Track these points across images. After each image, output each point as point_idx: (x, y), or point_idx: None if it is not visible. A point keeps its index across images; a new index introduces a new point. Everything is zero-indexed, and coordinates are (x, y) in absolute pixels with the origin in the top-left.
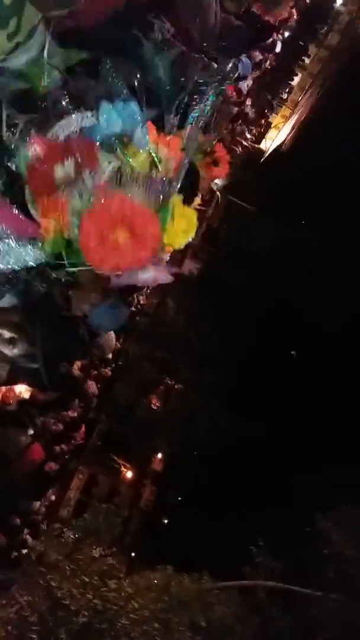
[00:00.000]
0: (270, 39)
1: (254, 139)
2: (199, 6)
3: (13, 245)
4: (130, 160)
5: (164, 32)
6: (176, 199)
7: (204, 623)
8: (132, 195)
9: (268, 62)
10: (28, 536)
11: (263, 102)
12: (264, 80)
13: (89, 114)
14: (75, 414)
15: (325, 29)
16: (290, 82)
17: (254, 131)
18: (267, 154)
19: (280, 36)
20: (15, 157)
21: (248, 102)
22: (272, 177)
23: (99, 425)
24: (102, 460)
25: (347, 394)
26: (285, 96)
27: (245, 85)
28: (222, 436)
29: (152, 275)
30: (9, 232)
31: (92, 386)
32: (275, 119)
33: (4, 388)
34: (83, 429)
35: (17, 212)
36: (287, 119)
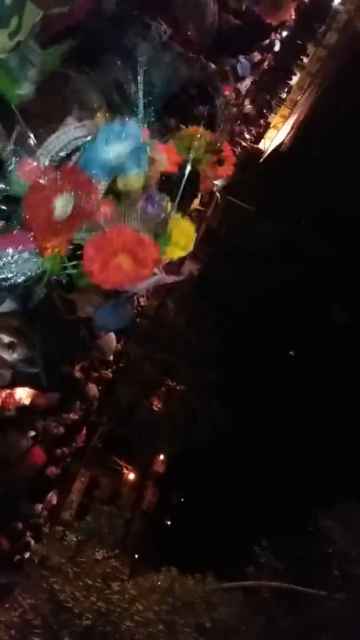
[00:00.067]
0: (269, 39)
1: (253, 139)
2: (196, 6)
3: (14, 257)
4: (128, 181)
5: (161, 33)
6: (175, 217)
7: (208, 624)
8: (131, 225)
9: (267, 62)
10: (31, 539)
11: (262, 102)
12: (263, 80)
13: (79, 125)
14: (77, 417)
15: (324, 28)
16: (288, 81)
17: (253, 131)
18: (266, 154)
19: (278, 36)
20: (9, 180)
21: (247, 102)
22: (272, 177)
23: (101, 427)
24: (104, 463)
25: (348, 393)
26: (284, 96)
27: (243, 85)
28: (223, 437)
29: (153, 281)
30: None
31: (92, 389)
32: (274, 119)
33: (3, 393)
34: (84, 431)
35: (17, 232)
36: (286, 118)
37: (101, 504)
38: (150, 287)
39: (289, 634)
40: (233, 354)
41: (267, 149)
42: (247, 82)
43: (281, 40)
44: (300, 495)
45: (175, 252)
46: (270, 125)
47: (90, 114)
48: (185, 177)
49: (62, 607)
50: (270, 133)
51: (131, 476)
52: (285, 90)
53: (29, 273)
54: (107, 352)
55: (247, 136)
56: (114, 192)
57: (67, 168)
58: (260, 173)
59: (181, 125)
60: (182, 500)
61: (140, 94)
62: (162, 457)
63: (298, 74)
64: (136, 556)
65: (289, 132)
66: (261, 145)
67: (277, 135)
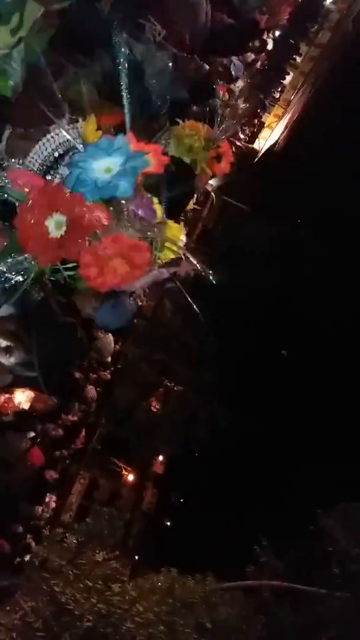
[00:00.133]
0: (261, 37)
1: (247, 138)
2: (189, 6)
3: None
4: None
5: (155, 34)
6: (168, 223)
7: (209, 624)
8: (126, 231)
9: (260, 62)
10: (31, 541)
11: (256, 102)
12: (256, 80)
13: (70, 127)
14: (76, 418)
15: (316, 27)
16: (282, 81)
17: (247, 131)
18: (260, 154)
19: (271, 35)
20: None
21: (240, 102)
22: (266, 176)
23: (99, 429)
24: (103, 464)
25: (348, 392)
26: (277, 95)
27: (237, 85)
28: (222, 437)
29: (149, 279)
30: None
31: (91, 391)
32: (268, 119)
33: (2, 398)
34: (83, 433)
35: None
36: (280, 118)
37: (101, 505)
38: (147, 284)
39: (290, 633)
40: (231, 353)
41: (262, 149)
42: (240, 83)
43: (274, 40)
44: (300, 494)
45: (167, 253)
46: (265, 125)
47: (81, 114)
48: (177, 176)
49: (63, 609)
50: (265, 133)
51: (130, 477)
52: (279, 89)
53: (24, 273)
54: (105, 354)
55: (242, 136)
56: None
57: (53, 187)
58: (255, 173)
59: (178, 120)
60: (182, 500)
61: (126, 93)
62: (161, 457)
63: (291, 74)
64: (136, 557)
65: (283, 132)
66: (255, 145)
67: (271, 134)
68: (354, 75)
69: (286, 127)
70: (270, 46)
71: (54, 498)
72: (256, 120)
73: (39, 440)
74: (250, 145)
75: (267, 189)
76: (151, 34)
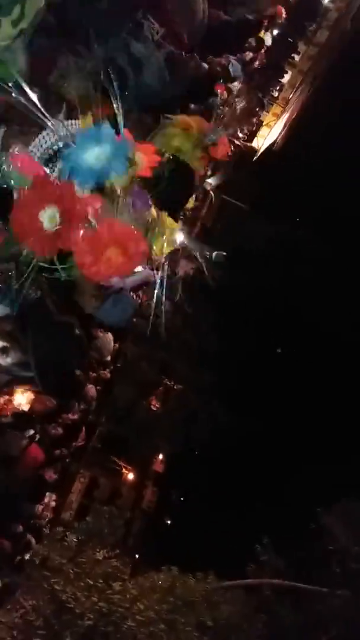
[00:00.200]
0: (258, 36)
1: (246, 137)
2: (186, 4)
3: None
4: (115, 185)
5: (153, 32)
6: (163, 215)
7: (210, 622)
8: (120, 219)
9: (258, 61)
10: (32, 539)
11: (254, 101)
12: (255, 79)
13: (68, 123)
14: (76, 417)
15: (314, 26)
16: (280, 79)
17: (246, 130)
18: (259, 153)
19: (269, 34)
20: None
21: (239, 100)
22: (265, 175)
23: (99, 427)
24: (103, 463)
25: (347, 391)
26: (276, 94)
27: (235, 84)
28: (222, 435)
29: (140, 277)
30: None
31: (91, 389)
32: (266, 117)
33: (2, 400)
34: (83, 432)
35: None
36: (278, 117)
37: (101, 504)
38: (137, 283)
39: (290, 631)
40: (231, 352)
41: (260, 148)
42: (238, 82)
43: (272, 39)
44: (300, 493)
45: (162, 248)
46: (263, 124)
47: (79, 110)
48: (175, 175)
49: (64, 607)
50: (263, 131)
51: (130, 476)
52: (277, 88)
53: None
54: (104, 353)
55: (240, 135)
56: (100, 190)
57: (43, 181)
58: (253, 172)
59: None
60: (182, 499)
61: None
62: (161, 456)
63: (290, 72)
64: (137, 556)
65: (282, 130)
66: (254, 144)
67: (270, 133)
68: (352, 73)
69: (285, 125)
70: (269, 41)
71: (54, 497)
72: (255, 119)
73: (38, 437)
74: (248, 144)
75: (265, 188)
76: (149, 33)
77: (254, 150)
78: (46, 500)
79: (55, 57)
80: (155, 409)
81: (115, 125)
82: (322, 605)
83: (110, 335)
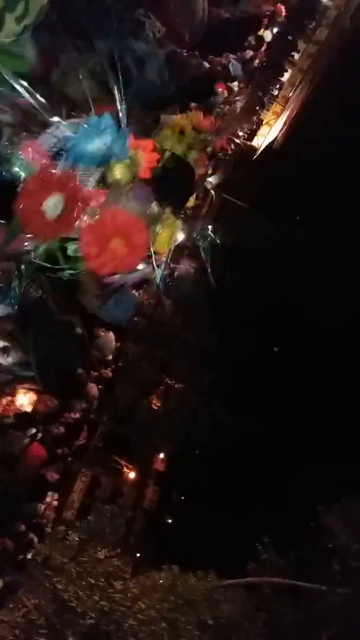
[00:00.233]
0: (258, 34)
1: (246, 136)
2: (186, 3)
3: None
4: (115, 173)
5: (155, 31)
6: (165, 211)
7: (211, 621)
8: (123, 208)
9: (258, 59)
10: (34, 537)
11: (254, 99)
12: (255, 77)
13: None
14: (78, 416)
15: (314, 24)
16: (280, 78)
17: (246, 128)
18: (259, 151)
19: (269, 32)
20: (8, 165)
21: (239, 99)
22: (265, 174)
23: (101, 426)
24: (105, 462)
25: (347, 390)
26: (276, 92)
27: (235, 83)
28: (223, 434)
29: (141, 274)
30: None
31: (92, 388)
32: (266, 116)
33: (4, 401)
34: (85, 431)
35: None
36: (278, 115)
37: (102, 503)
38: (139, 279)
39: (291, 629)
40: (231, 351)
41: (261, 146)
42: (238, 82)
43: (272, 37)
44: (300, 492)
45: (164, 244)
46: (263, 122)
47: (80, 109)
48: (175, 172)
49: (66, 606)
50: (263, 130)
51: (132, 475)
52: (277, 87)
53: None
54: (106, 352)
55: (240, 133)
56: (104, 183)
57: (46, 170)
58: (254, 170)
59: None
60: (183, 498)
61: (119, 87)
62: (162, 455)
63: (289, 71)
64: (138, 555)
65: (282, 129)
66: (254, 143)
67: (269, 132)
68: (351, 71)
69: (285, 124)
70: (268, 37)
71: (55, 496)
72: (255, 118)
73: (40, 436)
74: (249, 143)
75: (266, 187)
76: (151, 31)
77: (254, 149)
78: (48, 499)
79: (57, 55)
80: (156, 408)
81: (117, 120)
82: (322, 603)
83: (111, 335)
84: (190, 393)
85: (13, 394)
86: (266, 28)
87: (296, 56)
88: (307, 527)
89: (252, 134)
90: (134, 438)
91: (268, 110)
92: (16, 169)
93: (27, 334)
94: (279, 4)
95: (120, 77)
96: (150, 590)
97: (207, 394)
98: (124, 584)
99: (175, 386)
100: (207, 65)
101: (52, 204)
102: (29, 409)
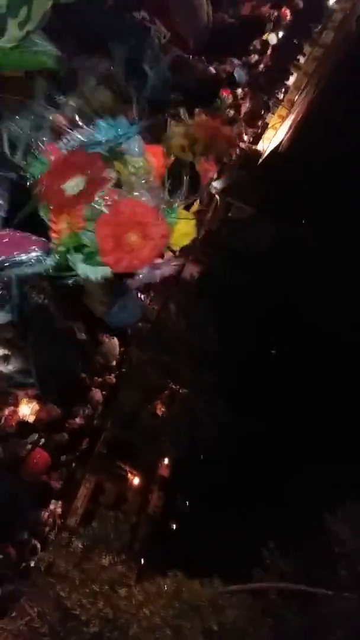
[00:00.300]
0: (263, 36)
1: (251, 140)
2: (190, 7)
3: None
4: (130, 167)
5: (160, 36)
6: (180, 205)
7: (216, 627)
8: (139, 198)
9: (263, 63)
10: (38, 544)
11: (259, 103)
12: (260, 81)
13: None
14: (82, 422)
15: (320, 27)
16: (285, 82)
17: (251, 132)
18: (265, 155)
19: (275, 36)
20: (27, 169)
21: (244, 103)
22: (271, 178)
23: (104, 432)
24: (108, 468)
25: (352, 391)
26: (281, 96)
27: (240, 90)
28: (228, 439)
29: (161, 271)
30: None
31: (97, 394)
32: (272, 120)
33: (6, 411)
34: (88, 437)
35: (21, 234)
36: (283, 119)
37: (107, 509)
38: (153, 279)
39: (297, 635)
40: (236, 355)
41: (266, 150)
42: (242, 90)
43: (278, 41)
44: (305, 496)
45: (180, 239)
46: (269, 126)
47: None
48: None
49: (69, 614)
50: (269, 134)
51: (136, 481)
52: (283, 90)
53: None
54: (110, 358)
55: (246, 137)
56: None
57: (77, 154)
58: (259, 174)
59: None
60: (188, 503)
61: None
62: (166, 461)
63: (295, 74)
64: (143, 561)
65: (287, 133)
66: (259, 147)
67: (275, 135)
68: (357, 75)
69: (290, 128)
70: (274, 40)
71: (59, 504)
72: (260, 122)
73: (43, 441)
74: (254, 147)
75: (271, 191)
76: (156, 36)
77: (260, 153)
78: (52, 507)
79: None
80: (160, 413)
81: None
82: (329, 608)
83: (115, 341)
84: (195, 397)
85: (16, 404)
86: (271, 32)
87: (302, 60)
88: (313, 531)
89: (257, 138)
90: (138, 444)
91: (273, 114)
92: (34, 170)
93: (28, 341)
94: (284, 8)
95: (137, 80)
96: (155, 597)
97: (212, 398)
98: (129, 590)
99: (180, 391)
100: (212, 70)
101: (74, 184)
102: (31, 419)
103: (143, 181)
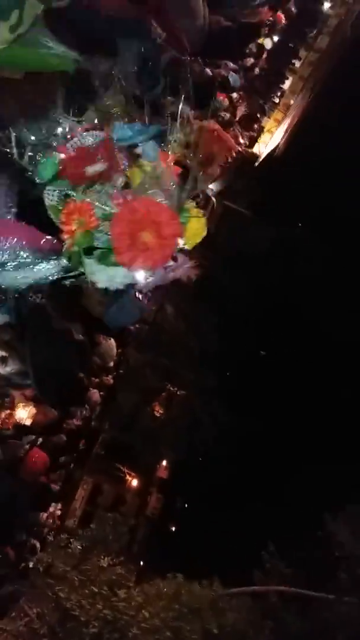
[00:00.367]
0: (259, 40)
1: (247, 143)
2: (187, 9)
3: (29, 260)
4: (146, 168)
5: (156, 37)
6: (190, 204)
7: (216, 630)
8: (154, 197)
9: (259, 67)
10: (36, 544)
11: (255, 107)
12: (256, 85)
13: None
14: (80, 423)
15: (315, 32)
16: (281, 85)
17: (247, 136)
18: (261, 159)
19: (270, 40)
20: (35, 171)
21: (240, 107)
22: (267, 181)
23: (102, 434)
24: (107, 470)
25: (353, 393)
26: (277, 100)
27: (235, 95)
28: (226, 441)
29: (174, 273)
30: (25, 246)
31: (94, 394)
32: (268, 123)
33: (3, 414)
34: (86, 439)
35: (33, 228)
36: (279, 122)
37: (105, 511)
38: (160, 282)
39: (297, 638)
40: (234, 357)
41: (262, 154)
42: (237, 94)
43: (273, 45)
44: (306, 499)
45: (191, 238)
46: (264, 130)
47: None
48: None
49: (69, 615)
50: (265, 137)
51: (134, 482)
52: (278, 94)
53: (44, 276)
54: (107, 359)
55: (242, 141)
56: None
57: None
58: (255, 177)
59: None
60: (186, 505)
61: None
62: (165, 462)
63: (290, 78)
64: (142, 563)
65: (283, 136)
66: (256, 150)
67: (271, 139)
68: (352, 79)
69: (286, 131)
70: (269, 45)
71: (59, 506)
72: (256, 125)
73: (40, 441)
74: (250, 150)
75: (268, 194)
76: (153, 37)
77: (256, 157)
78: (51, 509)
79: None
80: (158, 415)
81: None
82: (329, 612)
83: (113, 342)
84: (193, 399)
85: (12, 407)
86: (267, 36)
87: (297, 64)
88: (313, 534)
89: (253, 142)
90: (136, 445)
91: (269, 118)
92: (43, 171)
93: (25, 342)
94: (279, 12)
95: (150, 81)
96: (155, 599)
97: (210, 400)
98: (128, 592)
99: (178, 393)
100: (209, 71)
101: (96, 168)
102: (28, 422)
103: (156, 182)
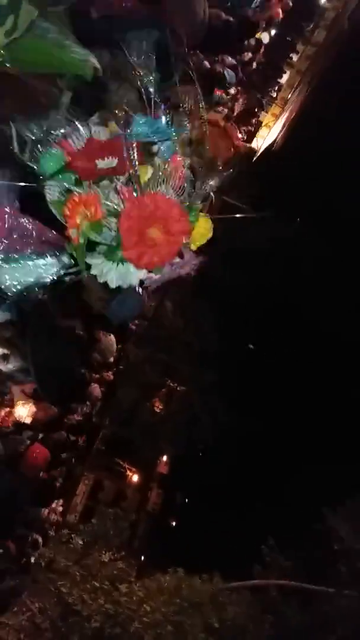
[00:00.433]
0: (256, 36)
1: (245, 138)
2: (186, 2)
3: (31, 260)
4: (158, 165)
5: (170, 29)
6: (199, 205)
7: (216, 624)
8: (164, 193)
9: (256, 61)
10: (39, 539)
11: (253, 101)
12: (253, 79)
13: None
14: (80, 418)
15: (312, 26)
16: (279, 80)
17: (245, 130)
18: (259, 153)
19: (267, 34)
20: (37, 165)
21: (238, 101)
22: (265, 176)
23: (103, 430)
24: (107, 465)
25: (352, 390)
26: (274, 94)
27: (232, 90)
28: (226, 436)
29: (181, 270)
30: (29, 239)
31: (95, 389)
32: (265, 118)
33: (2, 412)
34: (86, 434)
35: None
36: (277, 117)
37: (106, 506)
38: (166, 279)
39: (297, 632)
40: (233, 353)
41: (260, 148)
42: (233, 90)
43: (270, 39)
44: (306, 493)
45: (198, 239)
46: (262, 124)
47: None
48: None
49: (71, 610)
50: (262, 132)
51: (135, 478)
52: (276, 88)
53: (46, 276)
54: (107, 355)
55: (240, 135)
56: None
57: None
58: (253, 172)
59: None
60: (187, 500)
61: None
62: (165, 458)
63: (288, 72)
64: (142, 558)
65: (281, 131)
66: (254, 144)
67: (269, 133)
68: (350, 73)
69: (284, 126)
70: (266, 39)
71: (60, 502)
72: (254, 120)
73: (40, 436)
74: (248, 145)
75: (266, 188)
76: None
77: (254, 151)
78: (53, 505)
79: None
80: (158, 411)
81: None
82: (329, 605)
83: (112, 338)
84: (193, 395)
85: (12, 405)
86: (264, 30)
87: (294, 58)
88: (313, 528)
89: (251, 136)
90: (136, 441)
91: (267, 112)
92: (45, 164)
93: (26, 339)
94: (276, 6)
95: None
96: (156, 593)
97: (209, 395)
98: (129, 587)
99: (178, 389)
100: (208, 64)
101: (107, 162)
102: (28, 420)
103: (166, 179)
